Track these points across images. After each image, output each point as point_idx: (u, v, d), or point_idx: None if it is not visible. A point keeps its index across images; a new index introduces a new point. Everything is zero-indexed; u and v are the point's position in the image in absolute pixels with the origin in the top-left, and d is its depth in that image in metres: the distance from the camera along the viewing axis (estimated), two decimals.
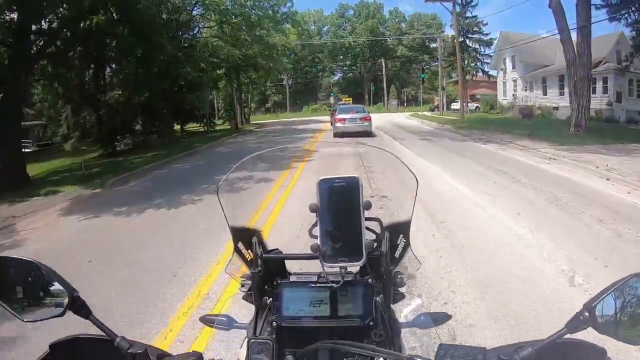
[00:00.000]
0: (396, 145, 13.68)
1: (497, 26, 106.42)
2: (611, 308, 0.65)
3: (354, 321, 0.84)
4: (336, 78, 69.86)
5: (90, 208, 7.41)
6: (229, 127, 29.86)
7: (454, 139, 15.38)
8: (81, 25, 12.22)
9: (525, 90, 30.85)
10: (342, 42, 63.71)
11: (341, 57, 65.46)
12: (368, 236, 0.78)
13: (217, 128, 29.46)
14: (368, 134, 16.77)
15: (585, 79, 13.84)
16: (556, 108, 26.24)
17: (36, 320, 0.78)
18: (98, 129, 18.09)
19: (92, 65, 17.18)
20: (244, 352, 0.85)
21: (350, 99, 48.13)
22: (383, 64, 56.32)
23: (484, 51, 38.51)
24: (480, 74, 38.73)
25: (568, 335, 0.68)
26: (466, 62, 36.07)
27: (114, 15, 13.32)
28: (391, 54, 62.44)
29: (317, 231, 0.75)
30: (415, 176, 0.94)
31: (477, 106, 38.22)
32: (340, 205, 0.74)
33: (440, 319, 0.96)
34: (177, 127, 28.72)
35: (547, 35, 23.67)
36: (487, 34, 38.43)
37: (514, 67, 32.21)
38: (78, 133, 19.45)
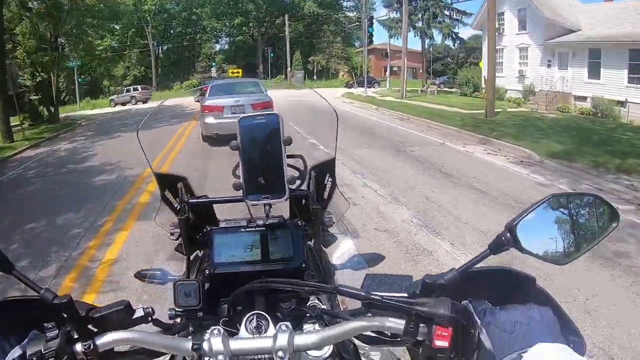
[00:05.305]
0: None
1: None
2: (532, 228, 0.62)
3: (286, 264, 0.83)
4: (221, 44, 52.71)
5: None
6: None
7: None
8: None
9: (549, 65, 18.63)
10: None
11: (228, 15, 48.12)
12: (290, 172, 0.76)
13: None
14: None
15: None
16: (622, 103, 14.41)
17: None
18: None
19: None
20: (171, 299, 0.82)
21: (240, 71, 33.40)
22: (286, 22, 40.55)
23: (451, 2, 25.66)
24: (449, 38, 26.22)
25: (497, 262, 0.67)
26: (436, 15, 23.15)
27: None
28: (296, 11, 47.14)
29: (240, 170, 0.72)
30: (335, 111, 0.93)
31: (439, 84, 25.83)
32: (261, 142, 0.71)
33: (373, 259, 1.00)
34: None
35: None
36: None
37: (523, 28, 19.74)
38: None
